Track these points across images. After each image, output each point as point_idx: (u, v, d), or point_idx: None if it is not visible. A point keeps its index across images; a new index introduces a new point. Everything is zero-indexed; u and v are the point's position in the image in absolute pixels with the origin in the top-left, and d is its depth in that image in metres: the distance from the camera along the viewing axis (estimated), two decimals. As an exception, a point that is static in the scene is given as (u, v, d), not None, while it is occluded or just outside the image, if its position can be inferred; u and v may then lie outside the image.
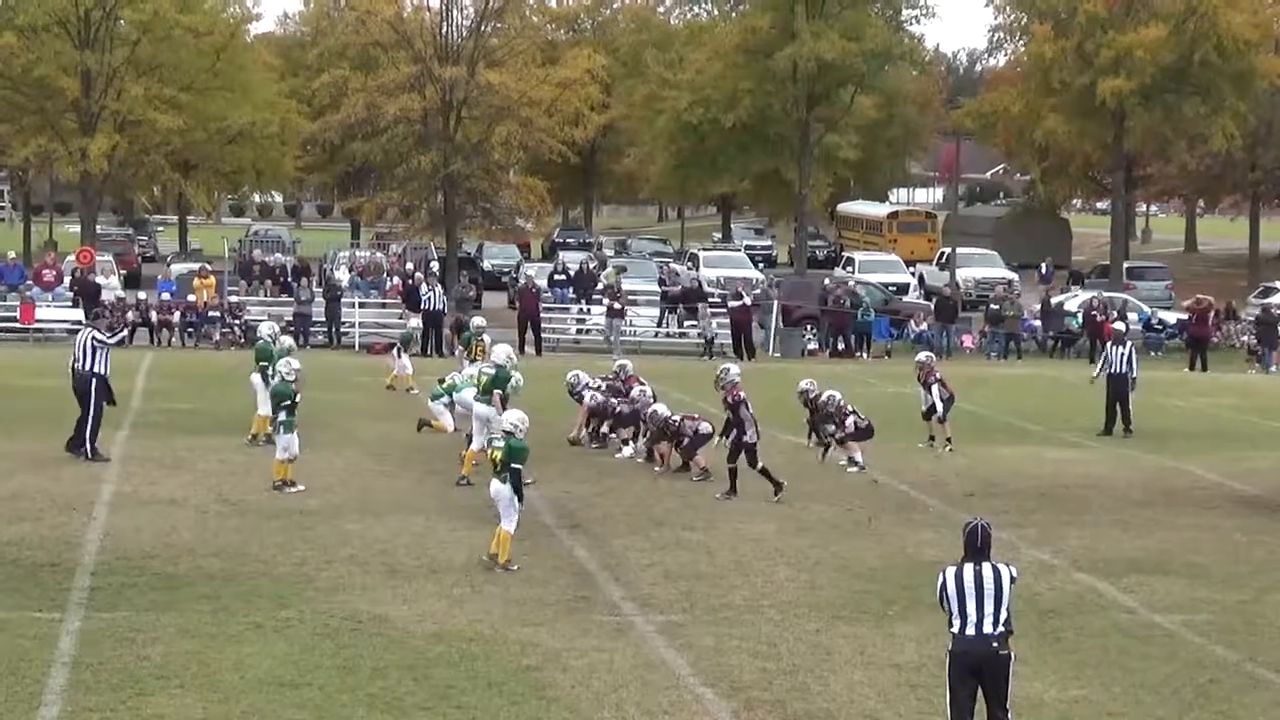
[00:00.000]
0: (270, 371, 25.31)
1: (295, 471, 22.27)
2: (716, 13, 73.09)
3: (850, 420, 25.78)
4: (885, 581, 18.16)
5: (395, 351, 35.30)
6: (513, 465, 17.99)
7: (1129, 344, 31.37)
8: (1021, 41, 67.85)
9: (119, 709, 12.94)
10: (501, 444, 18.34)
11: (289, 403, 22.21)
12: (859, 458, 25.35)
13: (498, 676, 14.12)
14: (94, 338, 24.54)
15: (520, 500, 18.19)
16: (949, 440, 27.68)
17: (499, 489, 18.10)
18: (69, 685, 13.49)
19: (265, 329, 27.72)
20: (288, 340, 28.32)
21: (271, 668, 14.13)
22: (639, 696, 13.73)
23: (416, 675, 14.07)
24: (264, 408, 25.56)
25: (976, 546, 11.98)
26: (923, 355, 29.55)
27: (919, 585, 17.62)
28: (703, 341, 45.88)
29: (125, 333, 26.35)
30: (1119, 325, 33.50)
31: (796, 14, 60.69)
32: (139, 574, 17.31)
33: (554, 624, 15.88)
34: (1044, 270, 64.50)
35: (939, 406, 27.69)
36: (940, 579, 11.98)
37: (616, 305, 45.64)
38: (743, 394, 22.92)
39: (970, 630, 11.74)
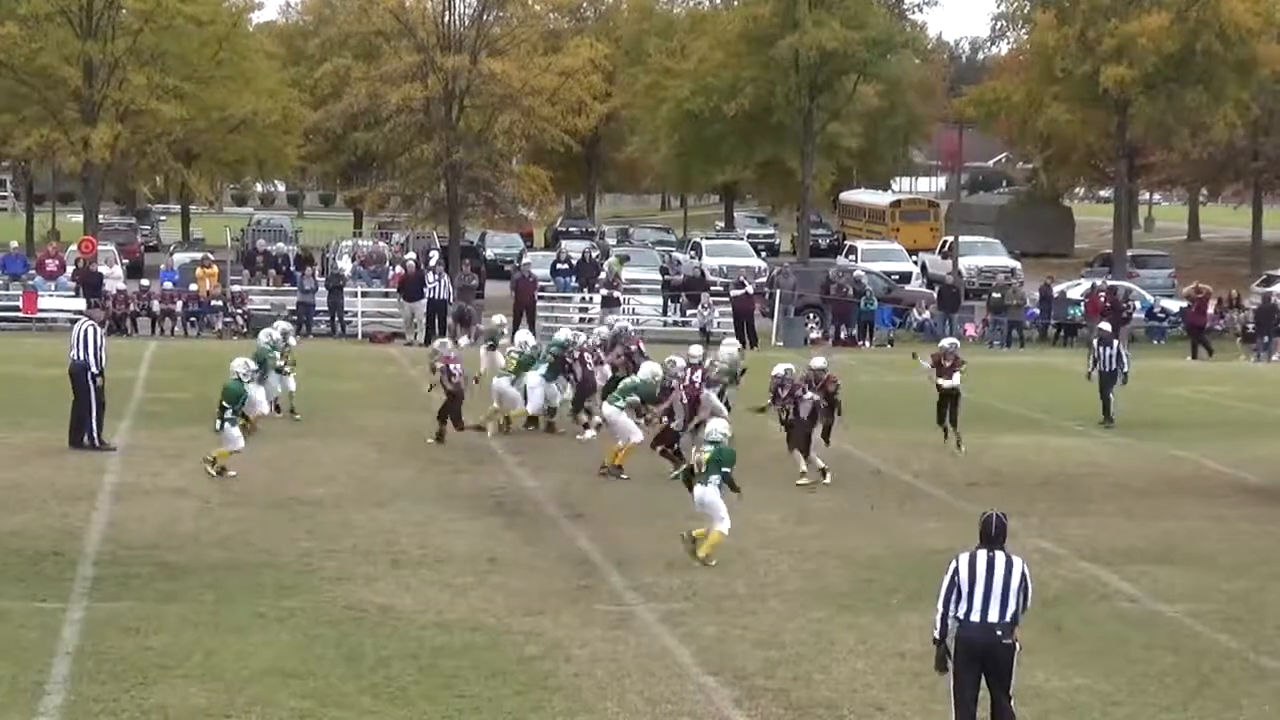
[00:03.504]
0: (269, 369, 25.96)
1: (289, 460, 22.26)
2: (719, 1, 73.02)
3: (808, 398, 23.55)
4: (888, 571, 18.16)
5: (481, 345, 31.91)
6: (724, 470, 18.27)
7: (1115, 343, 31.09)
8: (1024, 29, 67.71)
9: (122, 699, 12.94)
10: (709, 450, 18.48)
11: (239, 402, 22.43)
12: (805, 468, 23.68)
13: (501, 666, 14.13)
14: (88, 330, 24.58)
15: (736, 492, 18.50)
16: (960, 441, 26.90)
17: (703, 493, 18.29)
18: (72, 675, 13.49)
19: (263, 337, 27.65)
20: (283, 324, 28.85)
21: (275, 657, 14.13)
22: (642, 686, 13.73)
23: (420, 665, 14.07)
24: (261, 406, 25.71)
25: (991, 535, 12.04)
26: (947, 342, 28.57)
27: (922, 574, 17.61)
28: (700, 331, 45.67)
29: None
30: (1104, 325, 32.76)
31: (798, 2, 60.52)
32: (142, 564, 17.32)
33: (557, 613, 15.88)
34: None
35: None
36: (953, 564, 12.03)
37: (615, 294, 45.64)
38: (698, 382, 23.00)
39: (975, 617, 11.79)
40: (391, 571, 17.43)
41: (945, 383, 26.70)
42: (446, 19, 54.52)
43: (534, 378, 26.58)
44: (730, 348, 28.05)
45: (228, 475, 22.01)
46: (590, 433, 26.09)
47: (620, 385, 23.80)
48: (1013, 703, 11.96)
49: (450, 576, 17.26)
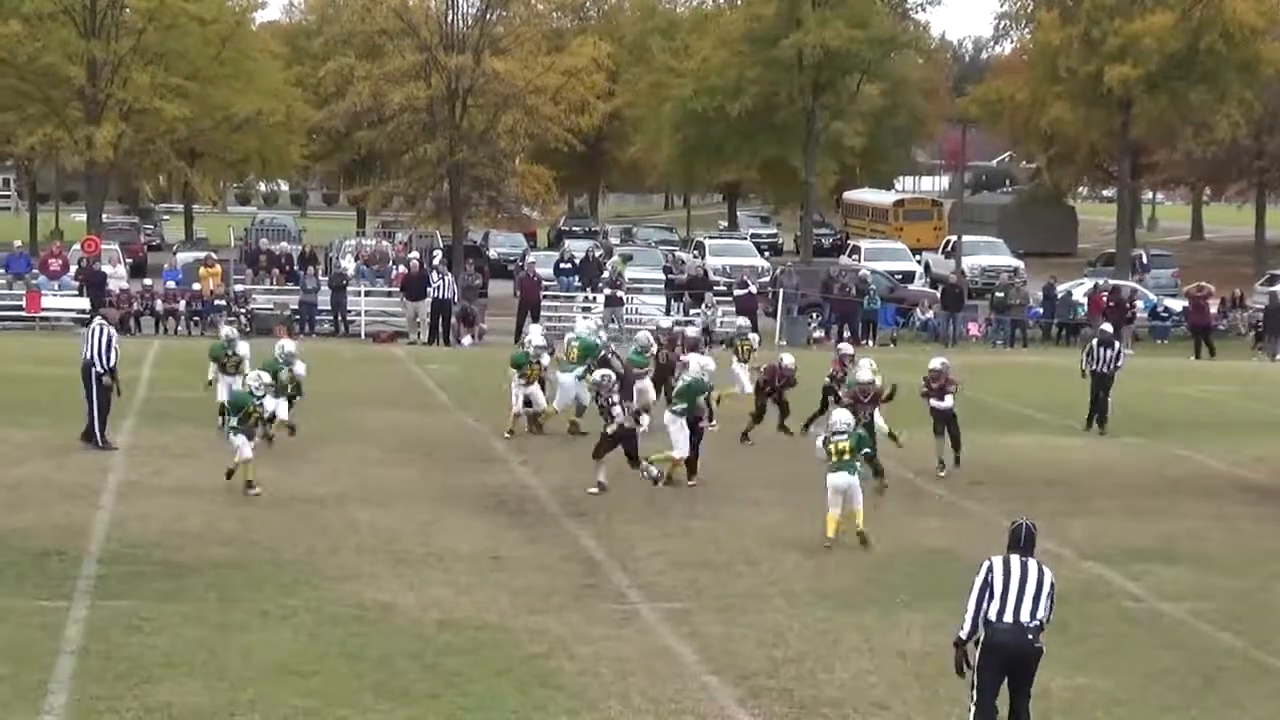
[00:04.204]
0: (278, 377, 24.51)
1: (292, 459, 22.09)
2: (722, 1, 73.07)
3: (617, 412, 22.06)
4: (892, 570, 18.16)
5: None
6: (866, 451, 20.23)
7: (1116, 345, 30.45)
8: (1028, 29, 67.85)
9: (125, 697, 12.95)
10: (845, 438, 19.49)
11: (241, 412, 21.53)
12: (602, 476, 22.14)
13: (504, 664, 14.13)
14: (96, 329, 24.67)
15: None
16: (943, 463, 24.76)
17: (848, 480, 19.30)
18: (76, 674, 13.50)
19: (276, 350, 25.88)
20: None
21: (278, 656, 14.14)
22: (645, 684, 13.73)
23: (423, 663, 14.08)
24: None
25: (1020, 544, 12.08)
26: (937, 362, 25.37)
27: (925, 573, 17.65)
28: (703, 330, 45.67)
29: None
30: (1106, 326, 32.16)
31: (801, 2, 60.63)
32: (145, 562, 17.33)
33: (560, 612, 15.88)
34: (1144, 260, 64.26)
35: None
36: (986, 564, 12.00)
37: (619, 294, 45.67)
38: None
39: (1009, 618, 11.76)
40: (395, 570, 17.43)
41: (938, 404, 24.42)
42: (450, 18, 54.48)
43: (569, 377, 26.59)
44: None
45: (251, 492, 21.05)
46: (645, 419, 26.06)
47: (677, 390, 23.46)
48: (1030, 703, 11.93)
49: (454, 575, 17.27)
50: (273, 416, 23.28)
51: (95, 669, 13.62)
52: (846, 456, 19.39)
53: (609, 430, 22.05)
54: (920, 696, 13.64)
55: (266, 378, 22.61)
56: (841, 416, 20.16)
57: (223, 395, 25.58)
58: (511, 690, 13.46)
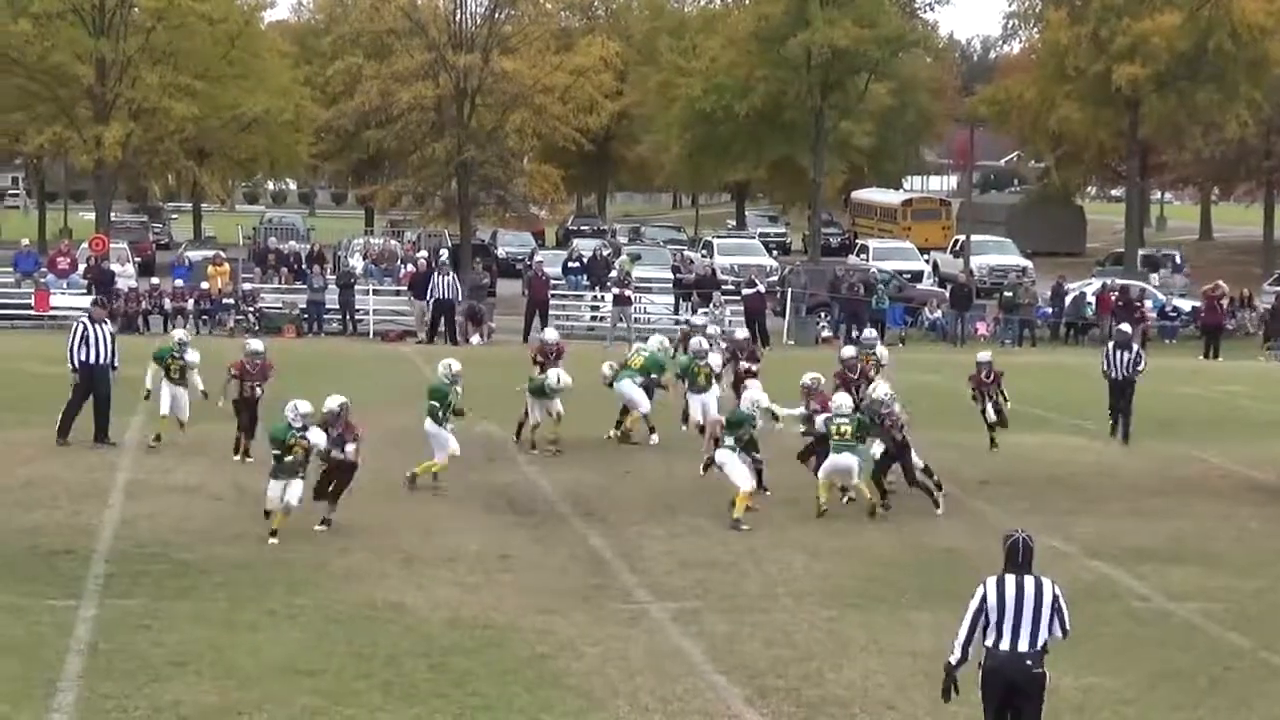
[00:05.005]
0: (440, 414, 22.01)
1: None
2: (730, 0, 73.11)
3: (349, 449, 19.85)
4: (899, 569, 18.15)
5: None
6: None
7: (1134, 347, 29.33)
8: (1036, 28, 67.85)
9: (134, 695, 12.97)
10: (846, 421, 20.66)
11: (287, 446, 19.03)
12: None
13: (512, 664, 14.14)
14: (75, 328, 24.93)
15: None
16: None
17: (850, 460, 20.53)
18: (85, 672, 13.53)
19: (441, 369, 22.58)
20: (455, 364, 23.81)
21: (286, 655, 14.16)
22: (653, 684, 13.74)
23: (431, 663, 14.09)
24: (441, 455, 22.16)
25: (1018, 561, 11.50)
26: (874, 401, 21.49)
27: (933, 573, 17.64)
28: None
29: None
30: (1124, 327, 30.98)
31: (809, 1, 60.62)
32: (154, 561, 17.35)
33: (569, 612, 15.89)
34: (1178, 260, 64.18)
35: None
36: (980, 590, 11.49)
37: (627, 293, 45.66)
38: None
39: (1005, 646, 11.34)
40: (402, 569, 17.45)
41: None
42: (458, 17, 54.55)
43: (629, 384, 25.71)
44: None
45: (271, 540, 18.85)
46: (655, 437, 25.91)
47: (725, 423, 21.70)
48: None
49: (461, 575, 17.28)
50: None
51: (104, 667, 13.65)
52: (848, 438, 20.45)
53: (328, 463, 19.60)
54: (928, 696, 13.62)
55: (305, 407, 19.18)
56: (845, 400, 21.09)
57: (165, 407, 24.08)
58: (519, 690, 13.47)
